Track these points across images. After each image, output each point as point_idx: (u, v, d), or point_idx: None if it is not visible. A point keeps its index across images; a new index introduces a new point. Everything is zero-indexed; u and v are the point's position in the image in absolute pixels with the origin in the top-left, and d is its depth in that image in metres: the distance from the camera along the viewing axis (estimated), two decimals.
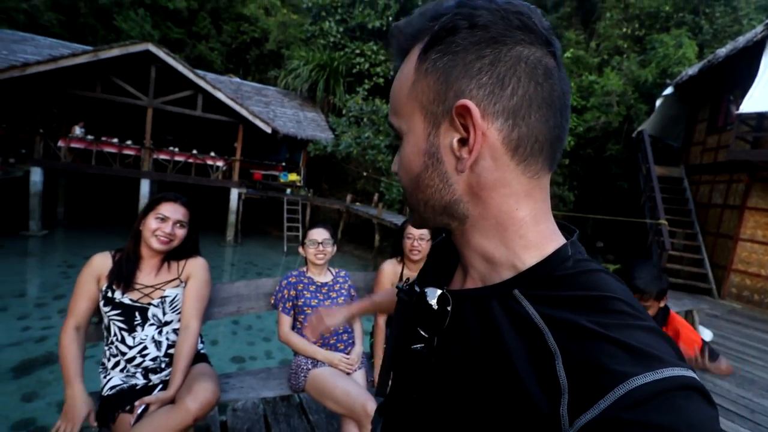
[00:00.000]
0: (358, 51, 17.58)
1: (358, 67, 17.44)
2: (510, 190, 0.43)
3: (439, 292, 0.48)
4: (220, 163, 12.13)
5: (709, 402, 0.32)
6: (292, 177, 13.78)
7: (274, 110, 14.29)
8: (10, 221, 9.78)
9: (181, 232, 1.68)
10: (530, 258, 0.43)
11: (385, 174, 13.42)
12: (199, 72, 11.45)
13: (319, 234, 2.12)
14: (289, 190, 13.28)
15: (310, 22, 18.57)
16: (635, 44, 14.47)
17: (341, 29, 18.19)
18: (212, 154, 12.35)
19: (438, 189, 0.43)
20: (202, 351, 1.86)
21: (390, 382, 0.61)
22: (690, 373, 0.32)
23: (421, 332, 0.48)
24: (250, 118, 11.53)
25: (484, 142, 0.40)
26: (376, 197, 12.63)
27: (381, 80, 17.45)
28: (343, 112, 14.53)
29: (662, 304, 1.84)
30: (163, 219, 1.62)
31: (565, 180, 13.71)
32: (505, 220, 0.43)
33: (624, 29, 14.46)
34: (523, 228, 0.43)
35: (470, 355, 0.42)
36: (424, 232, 2.07)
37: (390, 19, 19.18)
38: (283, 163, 14.22)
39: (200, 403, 1.47)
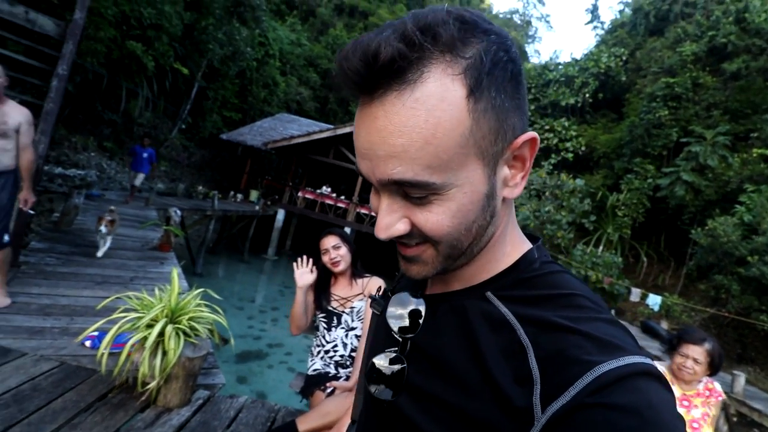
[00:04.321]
0: (547, 127, 17.83)
1: (546, 142, 17.57)
2: (511, 208, 0.47)
3: (409, 295, 0.52)
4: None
5: (666, 387, 0.34)
6: None
7: None
8: (258, 246, 13.42)
9: (341, 251, 2.14)
10: (504, 263, 0.46)
11: (563, 252, 12.65)
12: None
13: None
14: None
15: None
16: None
17: (533, 107, 18.87)
18: None
19: (487, 224, 0.42)
20: None
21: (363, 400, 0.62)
22: (648, 361, 0.35)
23: (396, 336, 0.50)
24: None
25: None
26: None
27: (570, 155, 17.07)
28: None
29: None
30: (325, 251, 2.15)
31: None
32: (500, 236, 0.46)
33: None
34: (507, 238, 0.47)
35: (445, 354, 0.43)
36: None
37: (586, 95, 18.90)
38: None
39: None
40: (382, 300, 0.57)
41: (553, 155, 17.47)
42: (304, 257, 2.12)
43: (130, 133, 10.47)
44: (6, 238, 2.85)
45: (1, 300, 2.91)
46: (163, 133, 11.97)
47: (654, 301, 10.65)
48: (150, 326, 2.17)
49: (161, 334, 2.14)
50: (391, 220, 0.41)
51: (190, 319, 2.29)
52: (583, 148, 17.84)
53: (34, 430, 1.86)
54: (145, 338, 2.12)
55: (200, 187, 12.10)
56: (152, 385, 2.14)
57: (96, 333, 2.60)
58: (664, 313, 12.55)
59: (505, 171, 0.42)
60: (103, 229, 4.60)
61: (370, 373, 0.51)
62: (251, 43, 13.80)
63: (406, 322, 0.50)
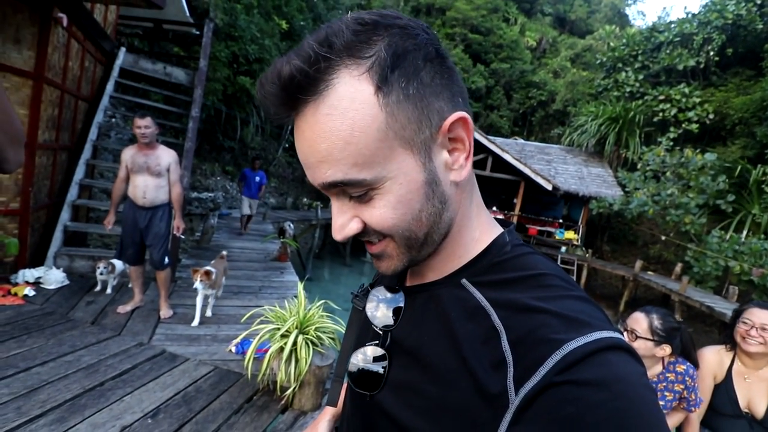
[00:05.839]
0: (662, 97, 15.50)
1: (661, 114, 15.32)
2: (470, 188, 0.47)
3: (386, 289, 0.52)
4: (500, 217, 13.32)
5: (636, 359, 0.34)
6: (569, 235, 13.26)
7: (556, 167, 14.45)
8: (358, 249, 14.08)
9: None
10: (475, 249, 0.46)
11: (694, 240, 10.91)
12: (490, 137, 13.24)
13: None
14: (564, 248, 12.85)
15: (602, 77, 17.95)
16: None
17: (640, 77, 16.62)
18: (494, 208, 13.77)
19: (438, 211, 0.42)
20: None
21: (343, 392, 0.63)
22: (616, 335, 0.35)
23: (375, 329, 0.51)
24: (532, 176, 12.21)
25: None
26: (678, 268, 10.38)
27: (694, 126, 14.62)
28: (638, 166, 12.93)
29: None
30: None
31: None
32: (466, 219, 0.46)
33: None
34: (473, 223, 0.47)
35: (423, 345, 0.44)
36: None
37: (711, 54, 15.99)
38: (560, 220, 13.98)
39: None
40: (363, 295, 0.57)
41: (672, 128, 15.02)
42: None
43: (246, 157, 11.85)
44: (167, 260, 3.44)
45: (167, 312, 3.52)
46: (271, 153, 13.29)
47: None
48: (284, 336, 2.43)
49: (294, 343, 2.39)
50: (343, 221, 0.42)
51: (316, 329, 2.51)
52: (710, 116, 15.02)
53: (201, 428, 2.21)
54: (281, 348, 2.39)
55: (305, 199, 13.16)
56: (290, 391, 2.40)
57: (239, 341, 2.99)
58: None
59: (444, 156, 0.41)
60: (199, 285, 3.28)
61: (352, 368, 0.51)
62: None
63: (389, 320, 0.50)
